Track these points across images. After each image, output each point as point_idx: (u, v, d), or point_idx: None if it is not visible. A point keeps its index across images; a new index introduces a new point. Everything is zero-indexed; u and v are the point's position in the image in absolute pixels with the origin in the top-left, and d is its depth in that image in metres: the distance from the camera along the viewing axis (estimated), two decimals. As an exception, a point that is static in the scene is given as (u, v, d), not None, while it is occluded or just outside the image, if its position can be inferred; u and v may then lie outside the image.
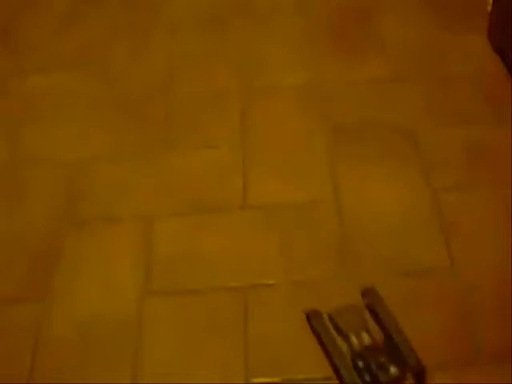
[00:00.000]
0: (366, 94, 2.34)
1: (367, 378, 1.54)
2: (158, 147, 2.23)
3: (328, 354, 1.62)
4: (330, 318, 1.65)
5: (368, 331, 1.60)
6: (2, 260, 1.94)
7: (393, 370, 1.53)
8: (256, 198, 2.04)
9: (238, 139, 2.21)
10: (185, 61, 2.55)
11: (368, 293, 1.71)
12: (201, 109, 2.35)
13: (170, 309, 1.79)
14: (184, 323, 1.75)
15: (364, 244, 1.89)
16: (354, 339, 1.59)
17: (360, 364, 1.55)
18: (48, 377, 1.67)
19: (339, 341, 1.61)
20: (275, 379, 1.63)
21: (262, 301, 1.78)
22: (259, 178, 2.10)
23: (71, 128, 2.32)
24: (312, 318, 1.68)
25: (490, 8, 2.45)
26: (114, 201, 2.07)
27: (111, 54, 2.61)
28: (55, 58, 2.61)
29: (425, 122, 2.21)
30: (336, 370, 1.59)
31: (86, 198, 2.08)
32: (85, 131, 2.30)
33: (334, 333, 1.63)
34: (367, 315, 1.67)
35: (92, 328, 1.76)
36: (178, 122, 2.31)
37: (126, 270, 1.88)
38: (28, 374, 1.68)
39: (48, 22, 2.79)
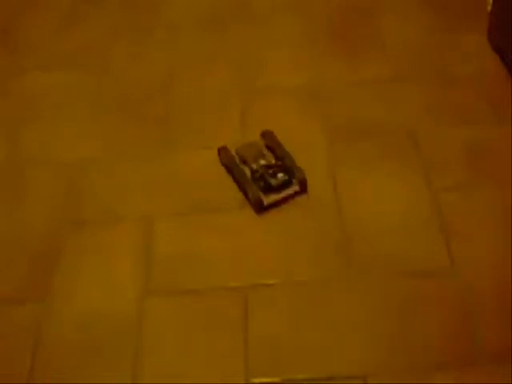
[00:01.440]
0: (366, 94, 2.34)
1: (262, 184, 2.00)
2: (158, 147, 2.23)
3: (236, 180, 2.05)
4: (236, 152, 2.10)
5: (264, 157, 2.07)
6: (2, 260, 1.94)
7: (281, 175, 2.01)
8: (256, 198, 2.04)
9: (238, 139, 2.21)
10: (185, 61, 2.55)
11: (266, 134, 2.16)
12: (201, 109, 2.35)
13: (169, 309, 1.79)
14: (184, 323, 1.75)
15: (364, 244, 1.89)
16: (253, 164, 2.05)
17: (256, 175, 2.01)
18: (48, 377, 1.67)
19: (243, 166, 2.07)
20: (275, 379, 1.63)
21: (262, 301, 1.78)
22: (259, 177, 2.10)
23: (71, 128, 2.32)
24: (221, 152, 2.12)
25: (489, 8, 2.45)
26: (113, 201, 2.07)
27: (111, 53, 2.61)
28: (55, 57, 2.61)
29: (425, 122, 2.21)
30: (243, 191, 2.02)
31: (85, 198, 2.08)
32: (85, 131, 2.30)
33: (239, 162, 2.09)
34: (265, 149, 2.12)
35: (92, 328, 1.76)
36: (177, 121, 2.31)
37: (125, 270, 1.88)
38: (28, 374, 1.68)
39: (48, 21, 2.79)
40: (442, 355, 1.64)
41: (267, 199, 1.99)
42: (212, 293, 1.81)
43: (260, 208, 1.98)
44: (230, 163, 2.08)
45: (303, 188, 2.02)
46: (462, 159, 2.09)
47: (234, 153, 2.12)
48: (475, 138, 2.14)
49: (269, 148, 2.13)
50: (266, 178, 2.01)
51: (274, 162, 2.06)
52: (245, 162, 2.08)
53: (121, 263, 1.90)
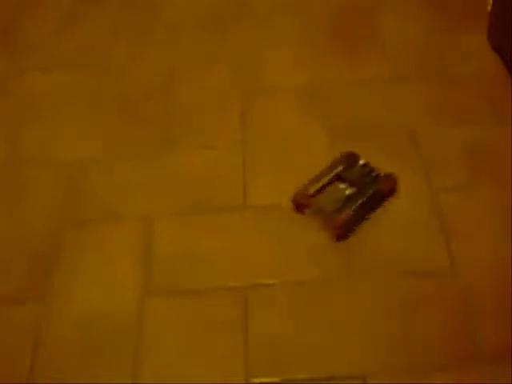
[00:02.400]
0: (366, 94, 2.34)
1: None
2: (158, 147, 2.23)
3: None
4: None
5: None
6: (2, 260, 1.94)
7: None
8: (256, 198, 2.04)
9: (238, 139, 2.21)
10: (185, 61, 2.55)
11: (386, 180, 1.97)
12: (201, 109, 2.35)
13: (170, 309, 1.79)
14: (184, 323, 1.75)
15: (364, 244, 1.89)
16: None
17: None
18: (48, 377, 1.67)
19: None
20: (275, 379, 1.63)
21: (262, 301, 1.78)
22: (259, 178, 2.10)
23: (71, 128, 2.32)
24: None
25: (489, 8, 2.45)
26: (113, 201, 2.07)
27: (111, 53, 2.61)
28: (55, 57, 2.61)
29: (425, 122, 2.21)
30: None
31: (86, 198, 2.08)
32: (85, 131, 2.30)
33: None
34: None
35: (92, 328, 1.76)
36: (177, 121, 2.31)
37: (125, 270, 1.88)
38: (28, 374, 1.68)
39: (48, 21, 2.79)
40: (441, 355, 1.64)
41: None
42: (212, 293, 1.81)
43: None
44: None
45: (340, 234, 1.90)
46: (461, 159, 2.08)
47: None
48: (475, 138, 2.14)
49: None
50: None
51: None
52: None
53: (121, 263, 1.90)
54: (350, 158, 2.03)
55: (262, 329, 1.72)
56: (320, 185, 1.97)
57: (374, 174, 1.99)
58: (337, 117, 2.26)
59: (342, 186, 1.96)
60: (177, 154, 2.19)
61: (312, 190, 1.95)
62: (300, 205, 1.94)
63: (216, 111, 2.33)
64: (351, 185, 1.96)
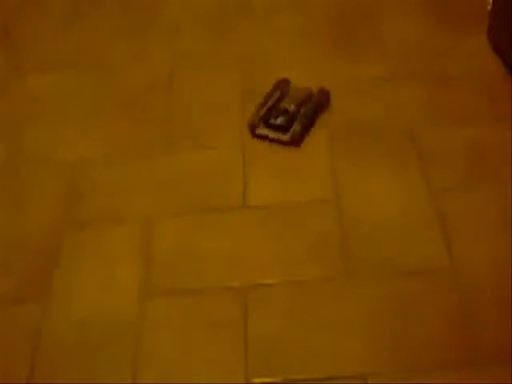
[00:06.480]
0: (365, 93, 2.34)
1: (267, 117, 2.23)
2: (158, 147, 2.23)
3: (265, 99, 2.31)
4: (289, 88, 2.34)
5: (294, 102, 2.27)
6: (2, 260, 1.94)
7: (280, 120, 2.21)
8: (256, 198, 2.04)
9: (238, 139, 2.21)
10: (185, 61, 2.55)
11: (322, 92, 2.31)
12: (201, 109, 2.35)
13: (170, 309, 1.79)
14: (184, 323, 1.75)
15: (364, 244, 1.89)
16: (283, 102, 2.27)
17: (272, 110, 2.26)
18: (48, 377, 1.67)
19: (277, 97, 2.31)
20: (275, 379, 1.63)
21: (261, 301, 1.78)
22: (259, 178, 2.10)
23: (71, 128, 2.32)
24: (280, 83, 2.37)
25: (489, 8, 2.45)
26: (114, 201, 2.07)
27: (111, 54, 2.61)
28: (55, 57, 2.61)
29: (425, 122, 2.21)
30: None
31: (86, 198, 2.08)
32: (85, 131, 2.30)
33: (279, 93, 2.31)
34: (304, 98, 2.30)
35: (92, 328, 1.76)
36: (178, 121, 2.31)
37: (126, 270, 1.88)
38: (28, 374, 1.68)
39: (48, 21, 2.79)
40: (441, 355, 1.64)
41: (259, 130, 2.21)
42: (212, 293, 1.81)
43: (252, 132, 2.21)
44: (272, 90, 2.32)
45: (294, 142, 2.17)
46: (461, 159, 2.08)
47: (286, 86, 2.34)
48: (475, 137, 2.14)
49: (307, 100, 2.27)
50: (270, 115, 2.22)
51: (292, 108, 2.22)
52: (282, 97, 2.29)
53: (121, 263, 1.90)
54: (284, 83, 2.34)
55: (262, 329, 1.72)
56: (268, 106, 2.26)
57: (307, 92, 2.30)
58: (337, 116, 2.26)
59: (286, 104, 2.25)
60: (177, 154, 2.19)
61: (262, 113, 2.23)
62: (254, 126, 2.21)
63: (216, 111, 2.33)
64: (292, 102, 2.25)
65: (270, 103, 2.26)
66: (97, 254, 1.93)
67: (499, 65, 2.38)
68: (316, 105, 2.26)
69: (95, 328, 1.76)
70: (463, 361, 1.62)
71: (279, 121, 2.20)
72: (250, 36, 2.63)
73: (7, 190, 2.13)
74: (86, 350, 1.71)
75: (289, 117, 2.20)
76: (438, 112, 2.24)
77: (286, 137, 2.17)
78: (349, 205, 1.99)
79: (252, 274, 1.84)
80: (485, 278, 1.78)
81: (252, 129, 2.21)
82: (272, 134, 2.19)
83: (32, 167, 2.20)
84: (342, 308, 1.75)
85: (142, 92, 2.43)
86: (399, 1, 2.72)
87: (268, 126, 2.21)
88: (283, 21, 2.68)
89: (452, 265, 1.82)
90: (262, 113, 2.23)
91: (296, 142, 2.17)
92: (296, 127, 2.17)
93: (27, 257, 1.93)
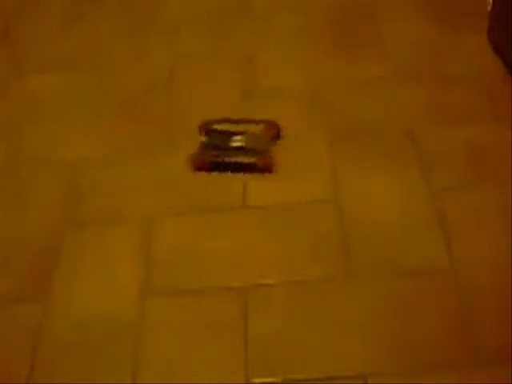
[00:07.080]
0: (365, 93, 2.34)
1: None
2: (159, 147, 2.23)
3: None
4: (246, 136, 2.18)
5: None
6: (2, 260, 1.94)
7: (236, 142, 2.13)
8: (256, 198, 2.04)
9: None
10: (185, 61, 2.55)
11: (270, 127, 2.21)
12: (201, 109, 2.35)
13: (170, 309, 1.79)
14: (184, 323, 1.75)
15: (364, 244, 1.89)
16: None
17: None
18: (48, 377, 1.67)
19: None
20: (275, 379, 1.63)
21: (261, 301, 1.78)
22: (259, 177, 2.10)
23: (71, 128, 2.32)
24: None
25: (489, 8, 2.45)
26: (114, 201, 2.07)
27: (111, 54, 2.61)
28: (55, 58, 2.61)
29: (425, 122, 2.21)
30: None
31: (86, 198, 2.08)
32: (85, 131, 2.31)
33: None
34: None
35: (92, 328, 1.76)
36: (178, 122, 2.31)
37: (126, 270, 1.88)
38: (28, 374, 1.68)
39: (48, 22, 2.79)
40: (441, 355, 1.64)
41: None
42: (212, 293, 1.81)
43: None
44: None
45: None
46: (462, 159, 2.09)
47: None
48: (475, 137, 2.14)
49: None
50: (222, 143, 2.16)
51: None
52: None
53: (121, 263, 1.90)
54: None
55: (262, 329, 1.72)
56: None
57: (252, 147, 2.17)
58: (337, 116, 2.26)
59: (236, 137, 2.17)
60: (177, 154, 2.19)
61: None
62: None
63: (216, 111, 2.33)
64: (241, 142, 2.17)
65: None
66: (97, 254, 1.93)
67: (499, 65, 2.38)
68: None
69: (95, 328, 1.76)
70: (463, 361, 1.62)
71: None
72: (250, 36, 2.63)
73: (7, 190, 2.13)
74: (86, 350, 1.71)
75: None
76: (438, 112, 2.24)
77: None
78: (349, 205, 1.99)
79: (252, 274, 1.84)
80: (485, 278, 1.78)
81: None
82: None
83: (32, 167, 2.20)
84: (342, 308, 1.75)
85: (141, 92, 2.43)
86: (399, 1, 2.72)
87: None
88: (283, 21, 2.69)
89: (452, 265, 1.82)
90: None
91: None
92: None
93: (27, 257, 1.93)
